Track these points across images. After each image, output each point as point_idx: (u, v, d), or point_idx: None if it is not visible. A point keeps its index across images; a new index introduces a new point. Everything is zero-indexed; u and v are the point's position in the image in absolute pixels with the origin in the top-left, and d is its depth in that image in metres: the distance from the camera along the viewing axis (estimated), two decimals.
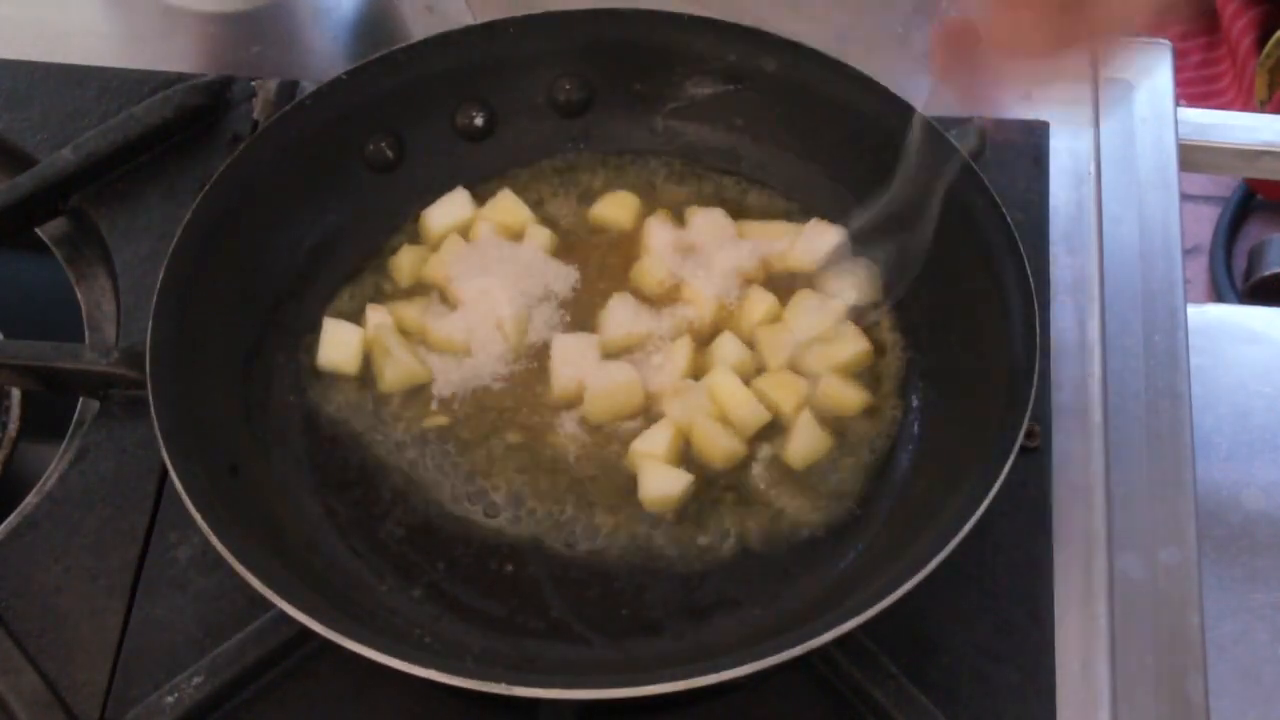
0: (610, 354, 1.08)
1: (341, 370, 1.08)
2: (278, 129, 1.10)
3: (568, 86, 1.17)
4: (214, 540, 0.90)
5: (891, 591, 0.88)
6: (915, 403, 1.06)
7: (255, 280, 1.08)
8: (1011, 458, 0.93)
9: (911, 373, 1.07)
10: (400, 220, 1.15)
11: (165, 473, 1.04)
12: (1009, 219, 1.03)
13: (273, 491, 1.02)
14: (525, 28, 1.15)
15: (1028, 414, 0.95)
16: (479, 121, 1.16)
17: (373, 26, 1.30)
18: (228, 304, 1.06)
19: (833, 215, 1.12)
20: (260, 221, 1.09)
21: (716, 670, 0.86)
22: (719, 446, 1.03)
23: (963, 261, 1.05)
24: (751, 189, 1.16)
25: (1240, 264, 2.25)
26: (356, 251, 1.13)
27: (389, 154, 1.15)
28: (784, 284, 1.11)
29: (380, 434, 1.06)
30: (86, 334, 1.15)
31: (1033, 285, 1.00)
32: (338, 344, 1.08)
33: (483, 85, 1.16)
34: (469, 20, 1.17)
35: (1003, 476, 0.92)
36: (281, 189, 1.10)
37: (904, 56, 1.25)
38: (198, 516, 0.91)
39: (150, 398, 0.96)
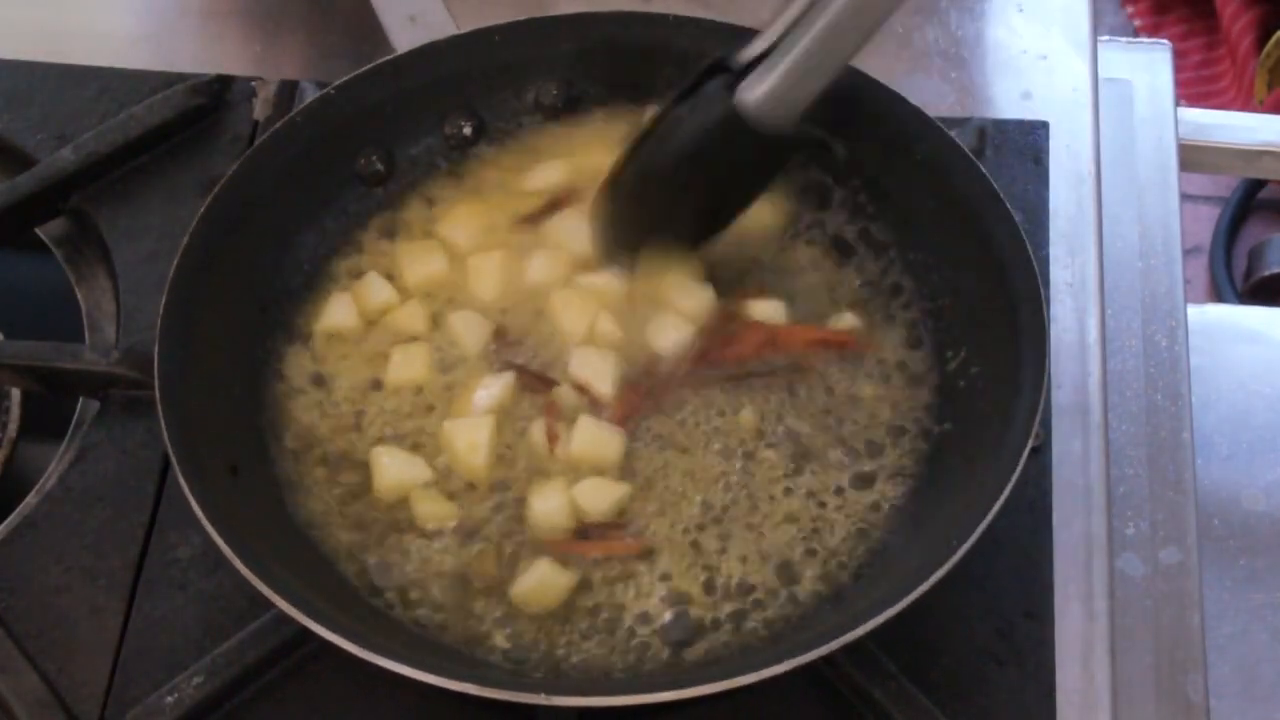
0: None
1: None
2: (270, 147, 1.09)
3: (554, 91, 1.16)
4: (220, 543, 0.90)
5: (900, 599, 0.87)
6: (923, 410, 1.05)
7: (256, 294, 1.07)
8: (1018, 470, 0.91)
9: (921, 378, 1.06)
10: (395, 226, 1.14)
11: (165, 473, 1.04)
12: (1018, 222, 1.02)
13: (272, 491, 1.02)
14: (510, 35, 1.14)
15: (1035, 426, 0.93)
16: (467, 130, 1.16)
17: (356, 34, 1.29)
18: (230, 318, 1.05)
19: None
20: (257, 240, 1.08)
21: (724, 678, 0.86)
22: None
23: (972, 270, 1.04)
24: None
25: (1240, 264, 2.25)
26: (355, 258, 1.12)
27: (379, 167, 1.14)
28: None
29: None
30: (86, 334, 1.15)
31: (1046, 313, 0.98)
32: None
33: (469, 94, 1.15)
34: (452, 29, 1.17)
35: (1008, 489, 0.91)
36: (277, 208, 1.09)
37: (904, 57, 1.25)
38: (203, 518, 0.91)
39: (159, 406, 0.96)
